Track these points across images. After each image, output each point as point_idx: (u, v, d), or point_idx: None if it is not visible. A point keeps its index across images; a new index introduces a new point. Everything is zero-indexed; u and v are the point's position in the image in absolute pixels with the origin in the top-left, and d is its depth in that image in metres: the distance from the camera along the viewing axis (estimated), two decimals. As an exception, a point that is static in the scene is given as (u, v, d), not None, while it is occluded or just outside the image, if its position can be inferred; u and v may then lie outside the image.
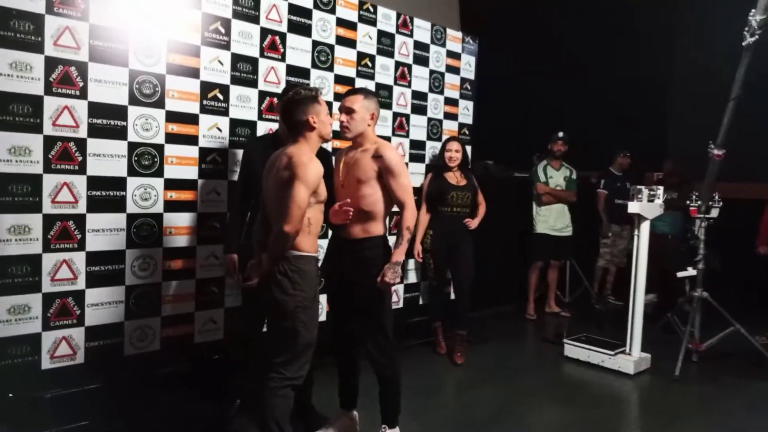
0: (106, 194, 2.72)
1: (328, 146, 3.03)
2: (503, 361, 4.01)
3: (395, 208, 2.56)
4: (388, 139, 3.90)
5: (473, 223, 3.98)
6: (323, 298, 3.04)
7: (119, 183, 2.75)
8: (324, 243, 2.84)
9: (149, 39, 2.78)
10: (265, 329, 2.63)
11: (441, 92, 4.27)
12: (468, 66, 4.45)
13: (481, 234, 4.06)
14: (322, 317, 3.08)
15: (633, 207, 3.66)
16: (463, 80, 4.43)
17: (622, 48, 6.01)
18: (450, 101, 4.34)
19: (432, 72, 4.18)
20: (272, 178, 2.27)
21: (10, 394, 2.51)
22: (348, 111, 2.48)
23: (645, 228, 3.72)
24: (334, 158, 2.73)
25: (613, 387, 3.58)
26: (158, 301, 2.93)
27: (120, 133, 2.74)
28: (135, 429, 2.71)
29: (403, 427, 2.66)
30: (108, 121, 2.69)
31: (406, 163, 4.07)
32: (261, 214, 2.42)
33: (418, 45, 4.05)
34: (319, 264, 2.40)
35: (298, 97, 2.27)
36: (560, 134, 5.03)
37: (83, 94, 2.61)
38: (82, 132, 2.62)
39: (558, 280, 5.47)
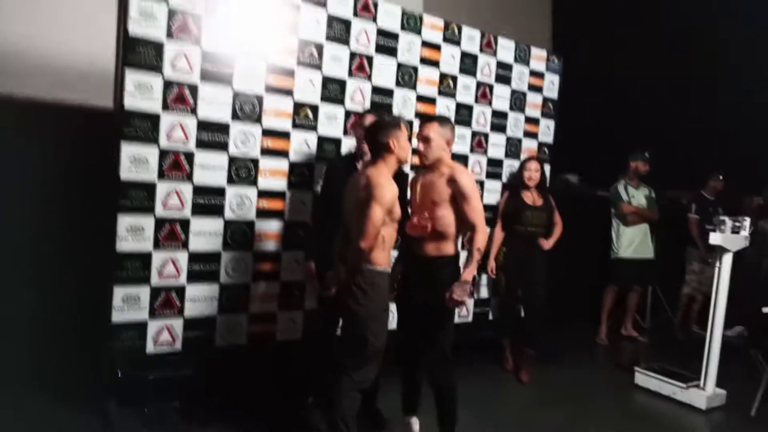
0: (208, 201, 3.05)
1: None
2: (570, 383, 4.00)
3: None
4: (465, 157, 4.02)
5: (547, 244, 4.01)
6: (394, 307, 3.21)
7: (219, 191, 3.08)
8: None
9: (251, 62, 3.09)
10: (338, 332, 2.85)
11: (522, 111, 4.33)
12: (551, 85, 4.47)
13: (557, 253, 4.08)
14: (392, 325, 3.26)
15: (715, 238, 3.54)
16: (546, 99, 4.46)
17: (720, 62, 5.73)
18: (531, 120, 4.39)
19: (514, 91, 4.25)
20: (353, 197, 2.48)
21: (120, 372, 2.89)
22: (425, 139, 2.64)
23: (727, 260, 3.59)
24: (411, 178, 2.90)
25: (683, 421, 3.49)
26: (246, 299, 3.23)
27: (222, 147, 3.06)
28: (218, 414, 3.01)
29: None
30: (213, 135, 3.02)
31: (483, 181, 4.17)
32: (342, 228, 2.64)
33: (501, 65, 4.14)
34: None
35: (382, 123, 2.48)
36: (644, 153, 4.91)
37: (193, 111, 2.95)
38: (191, 145, 2.96)
39: (638, 304, 5.32)
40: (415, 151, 2.81)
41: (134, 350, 2.91)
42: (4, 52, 2.80)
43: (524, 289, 4.07)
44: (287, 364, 3.41)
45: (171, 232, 2.96)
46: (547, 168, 4.47)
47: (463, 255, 2.68)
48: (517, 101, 4.28)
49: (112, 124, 2.85)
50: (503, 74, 4.17)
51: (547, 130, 4.51)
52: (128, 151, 2.79)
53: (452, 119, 3.89)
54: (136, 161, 2.82)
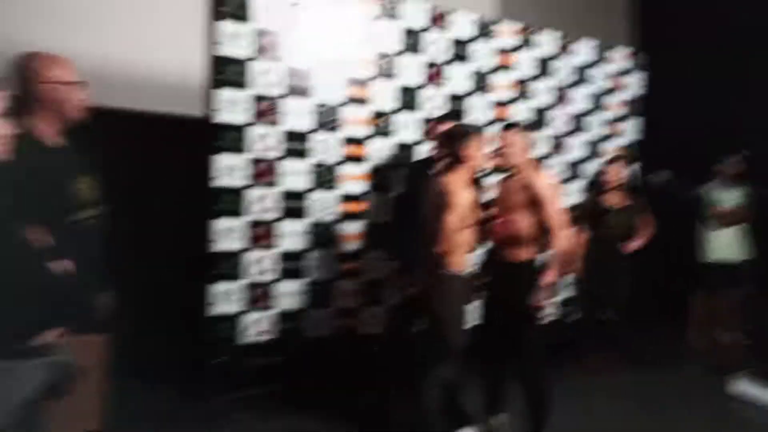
0: (294, 205, 3.29)
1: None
2: (657, 387, 3.86)
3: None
4: (544, 159, 4.00)
5: (631, 247, 3.91)
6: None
7: (304, 196, 3.31)
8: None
9: (331, 76, 3.29)
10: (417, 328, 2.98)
11: (603, 111, 4.23)
12: (635, 82, 4.32)
13: (645, 254, 3.96)
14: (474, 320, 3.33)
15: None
16: (630, 97, 4.32)
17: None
18: (613, 120, 4.28)
19: (594, 91, 4.17)
20: (429, 203, 2.61)
21: (216, 360, 3.19)
22: (503, 146, 2.71)
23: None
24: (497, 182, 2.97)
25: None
26: (331, 295, 3.45)
27: (305, 155, 3.28)
28: (306, 399, 3.24)
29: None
30: (296, 144, 3.25)
31: (562, 184, 4.13)
32: (421, 232, 2.76)
33: (580, 66, 4.08)
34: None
35: (457, 131, 2.58)
36: (740, 152, 4.60)
37: (279, 123, 3.19)
38: (277, 153, 3.21)
39: (732, 308, 4.99)
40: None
41: (229, 340, 3.20)
42: (111, 69, 3.20)
43: (607, 291, 3.99)
44: (369, 356, 3.59)
45: (261, 234, 3.23)
46: (634, 167, 4.33)
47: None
48: (599, 101, 4.19)
49: (203, 133, 3.15)
50: (583, 75, 4.10)
51: (631, 129, 4.37)
52: (220, 160, 3.08)
53: (529, 123, 3.91)
54: (227, 170, 3.10)
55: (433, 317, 2.60)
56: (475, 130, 2.62)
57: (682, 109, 5.20)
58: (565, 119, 4.08)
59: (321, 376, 3.41)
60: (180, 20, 3.10)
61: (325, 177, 3.35)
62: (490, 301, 2.90)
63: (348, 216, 3.45)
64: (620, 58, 4.24)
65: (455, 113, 3.59)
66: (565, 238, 2.66)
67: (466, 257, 2.67)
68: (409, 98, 3.53)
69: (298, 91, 3.21)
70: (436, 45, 3.57)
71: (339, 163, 3.38)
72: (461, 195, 2.50)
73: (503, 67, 3.80)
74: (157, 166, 3.35)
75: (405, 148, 3.56)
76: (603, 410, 3.53)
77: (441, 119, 3.17)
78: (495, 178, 2.97)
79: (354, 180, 3.44)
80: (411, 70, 3.52)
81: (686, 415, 3.46)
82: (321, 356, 3.43)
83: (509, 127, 2.81)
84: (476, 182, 2.85)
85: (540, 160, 3.95)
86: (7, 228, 1.18)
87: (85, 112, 1.88)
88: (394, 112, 3.51)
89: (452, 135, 2.61)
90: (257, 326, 3.26)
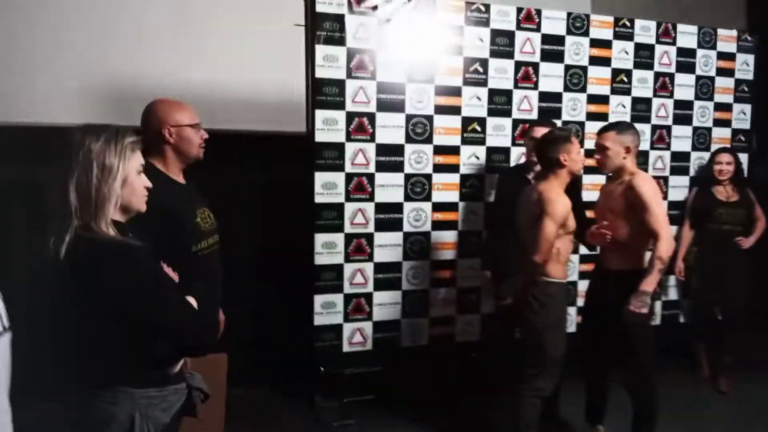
0: (388, 217, 3.36)
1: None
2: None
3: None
4: (645, 153, 3.82)
5: (747, 243, 3.64)
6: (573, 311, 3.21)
7: (398, 207, 3.37)
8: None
9: (420, 87, 3.32)
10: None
11: (710, 98, 3.96)
12: (745, 66, 4.01)
13: (761, 250, 3.69)
14: (572, 328, 3.25)
15: None
16: (739, 82, 4.01)
17: None
18: (721, 107, 3.99)
19: (699, 78, 3.91)
20: (525, 212, 2.58)
21: (322, 369, 3.34)
22: (601, 149, 2.62)
23: None
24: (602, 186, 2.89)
25: None
26: (427, 304, 3.49)
27: (398, 167, 3.34)
28: (406, 407, 3.31)
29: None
30: (390, 158, 3.32)
31: (666, 177, 3.92)
32: (516, 240, 2.74)
33: (681, 52, 3.84)
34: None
35: (552, 138, 2.53)
36: None
37: (372, 138, 3.27)
38: (371, 168, 3.29)
39: None
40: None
41: (333, 349, 3.33)
42: (216, 94, 3.45)
43: (721, 290, 3.74)
44: (468, 364, 3.60)
45: (358, 246, 3.32)
46: (746, 157, 4.03)
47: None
48: (704, 88, 3.93)
49: (303, 149, 3.28)
50: (685, 61, 3.86)
51: (742, 116, 4.06)
52: (320, 177, 3.20)
53: (628, 116, 3.74)
54: (327, 186, 3.23)
55: (531, 326, 2.57)
56: (569, 134, 2.55)
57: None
58: (667, 109, 3.86)
59: (419, 383, 3.48)
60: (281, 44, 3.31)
61: (418, 187, 3.39)
62: (590, 308, 2.84)
63: (441, 225, 3.47)
64: (726, 40, 3.94)
65: (549, 117, 3.50)
66: (669, 243, 2.53)
67: (565, 264, 2.62)
68: (500, 102, 3.49)
69: (390, 106, 3.27)
70: (527, 45, 3.49)
71: (431, 173, 3.41)
72: (559, 202, 2.45)
73: (597, 60, 3.65)
74: (266, 182, 3.57)
75: (497, 153, 3.52)
76: (715, 420, 3.34)
77: (535, 123, 3.11)
78: (592, 181, 2.89)
79: (446, 189, 3.45)
80: (502, 72, 3.47)
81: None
82: (419, 364, 3.49)
83: (608, 128, 2.71)
84: (574, 187, 2.79)
85: (642, 157, 3.76)
86: (152, 266, 1.30)
87: (203, 151, 2.05)
88: (485, 117, 3.48)
89: (548, 140, 2.56)
90: (357, 335, 3.36)
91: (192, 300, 1.38)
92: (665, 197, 3.93)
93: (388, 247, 3.38)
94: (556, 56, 3.56)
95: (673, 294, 4.06)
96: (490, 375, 3.43)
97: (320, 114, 3.17)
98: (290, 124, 3.53)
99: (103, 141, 1.27)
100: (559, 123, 3.58)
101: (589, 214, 2.90)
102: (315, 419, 3.23)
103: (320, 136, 3.18)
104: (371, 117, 3.26)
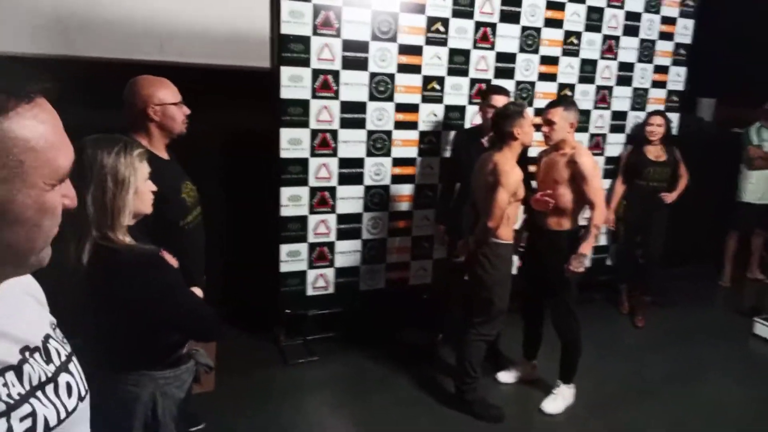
0: (351, 171, 3.53)
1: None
2: (686, 328, 4.18)
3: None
4: (587, 112, 4.10)
5: (669, 198, 4.08)
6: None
7: (360, 162, 3.54)
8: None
9: (384, 46, 3.40)
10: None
11: (650, 61, 4.24)
12: (684, 30, 4.28)
13: (680, 203, 4.14)
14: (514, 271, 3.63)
15: None
16: (678, 45, 4.30)
17: None
18: (660, 69, 4.29)
19: (642, 41, 4.16)
20: (480, 179, 2.82)
21: (287, 310, 3.60)
22: (548, 122, 2.86)
23: None
24: (537, 155, 3.15)
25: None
26: (384, 251, 3.77)
27: (361, 124, 3.48)
28: (363, 343, 3.65)
29: (578, 383, 3.17)
30: (353, 114, 3.44)
31: (605, 134, 4.25)
32: (470, 201, 3.01)
33: (629, 16, 4.05)
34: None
35: (506, 112, 2.74)
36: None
37: (336, 96, 3.37)
38: (335, 125, 3.42)
39: (763, 247, 5.19)
40: (538, 128, 3.01)
41: (297, 294, 3.59)
42: (176, 25, 3.43)
43: (644, 238, 4.22)
44: (419, 305, 3.96)
45: (322, 199, 3.51)
46: (676, 117, 4.40)
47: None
48: (646, 51, 4.20)
49: (268, 83, 3.31)
50: (631, 25, 4.08)
51: (677, 77, 4.39)
52: (286, 134, 3.31)
53: (576, 77, 3.98)
54: (292, 141, 3.34)
55: (481, 282, 2.89)
56: (522, 109, 2.76)
57: (729, 58, 5.12)
58: (611, 71, 4.12)
59: (375, 323, 3.82)
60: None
61: (379, 143, 3.55)
62: (529, 261, 3.18)
63: (400, 179, 3.68)
64: (670, 4, 4.18)
65: (503, 76, 3.69)
66: (603, 212, 2.87)
67: (513, 228, 2.93)
68: (459, 61, 3.63)
69: (354, 64, 3.35)
70: (487, 6, 3.60)
71: (392, 130, 3.57)
72: (512, 174, 2.71)
73: (551, 22, 3.81)
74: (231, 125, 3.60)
75: (453, 111, 3.70)
76: (631, 351, 3.89)
77: (492, 90, 3.29)
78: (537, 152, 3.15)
79: (406, 145, 3.63)
80: (462, 33, 3.58)
81: (710, 353, 3.79)
82: (376, 305, 3.82)
83: (555, 104, 2.94)
84: (522, 157, 3.04)
85: (584, 116, 4.03)
86: (165, 269, 1.47)
87: (187, 127, 2.13)
88: (444, 77, 3.62)
89: (503, 115, 2.77)
90: (320, 281, 3.62)
91: (198, 291, 1.56)
92: (602, 153, 4.28)
93: (350, 199, 3.58)
94: (513, 17, 3.70)
95: (603, 240, 4.52)
96: (439, 315, 3.81)
97: (286, 71, 3.22)
98: (253, 59, 3.55)
99: (114, 155, 1.37)
100: (512, 83, 3.79)
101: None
102: (281, 356, 3.52)
103: (286, 93, 3.25)
104: (335, 74, 3.34)
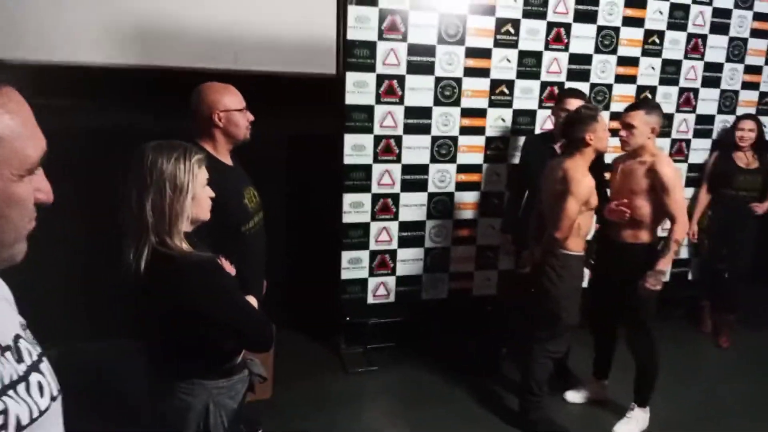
0: (414, 178, 3.47)
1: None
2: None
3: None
4: (670, 116, 3.83)
5: (761, 209, 3.73)
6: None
7: (424, 169, 3.47)
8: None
9: (450, 49, 3.32)
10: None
11: (741, 60, 3.91)
12: (779, 26, 3.93)
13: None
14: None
15: None
16: (770, 44, 3.95)
17: None
18: (751, 69, 3.95)
19: (732, 39, 3.85)
20: (549, 187, 2.68)
21: (348, 318, 3.58)
22: (627, 126, 2.67)
23: None
24: (613, 160, 2.96)
25: None
26: (447, 260, 3.67)
27: (426, 129, 3.41)
28: (424, 355, 3.57)
29: (653, 406, 2.95)
30: (418, 120, 3.38)
31: (689, 140, 3.96)
32: (536, 210, 2.87)
33: (717, 12, 3.76)
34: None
35: (578, 116, 2.58)
36: None
37: (401, 101, 3.32)
38: (399, 130, 3.36)
39: None
40: (615, 133, 2.83)
41: (358, 301, 3.55)
42: (241, 34, 3.49)
43: (730, 251, 3.89)
44: (484, 317, 3.83)
45: (384, 206, 3.46)
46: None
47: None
48: (736, 50, 3.88)
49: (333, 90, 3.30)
50: (720, 22, 3.78)
51: (769, 79, 4.03)
52: (350, 140, 3.29)
53: (656, 79, 3.73)
54: (356, 147, 3.32)
55: (548, 295, 2.74)
56: (596, 113, 2.59)
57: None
58: (696, 72, 3.83)
59: (437, 334, 3.73)
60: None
61: (444, 149, 3.47)
62: (601, 274, 2.98)
63: (465, 186, 3.57)
64: (765, 0, 3.84)
65: (577, 78, 3.52)
66: (685, 227, 2.65)
67: (584, 238, 2.76)
68: (530, 63, 3.49)
69: (420, 68, 3.29)
70: (561, 5, 3.44)
71: (458, 136, 3.47)
72: (584, 182, 2.55)
73: (631, 20, 3.60)
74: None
75: (523, 116, 3.56)
76: (713, 374, 3.58)
77: (567, 94, 3.13)
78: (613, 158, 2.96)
79: (471, 151, 3.53)
80: (533, 34, 3.45)
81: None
82: (438, 315, 3.72)
83: (635, 107, 2.75)
84: (597, 163, 2.86)
85: (667, 119, 3.77)
86: (222, 277, 1.45)
87: (250, 133, 2.14)
88: (514, 80, 3.49)
89: (575, 119, 2.62)
90: (381, 289, 3.57)
91: (253, 300, 1.55)
92: (686, 160, 3.99)
93: (412, 206, 3.51)
94: (588, 17, 3.51)
95: (684, 253, 4.21)
96: (503, 327, 3.66)
97: (351, 76, 3.20)
98: (318, 65, 3.56)
99: (174, 161, 1.37)
100: (586, 86, 3.60)
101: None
102: (341, 364, 3.50)
103: (350, 99, 3.23)
104: (401, 79, 3.29)
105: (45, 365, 0.81)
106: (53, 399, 0.80)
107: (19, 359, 0.76)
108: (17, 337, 0.78)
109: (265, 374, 1.66)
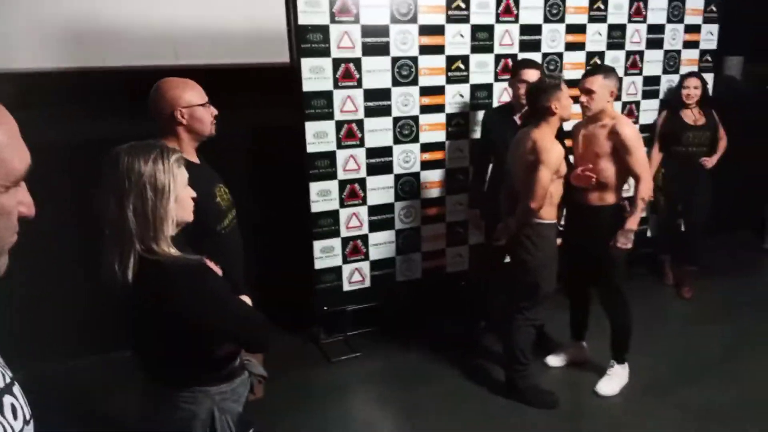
0: (379, 161, 3.43)
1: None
2: (735, 297, 4.02)
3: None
4: (619, 80, 3.92)
5: (710, 162, 3.91)
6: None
7: (387, 151, 3.44)
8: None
9: (404, 28, 3.28)
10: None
11: (681, 21, 4.05)
12: (712, -13, 4.08)
13: (720, 166, 3.97)
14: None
15: None
16: (708, 2, 4.10)
17: None
18: (691, 28, 4.10)
19: (671, 1, 3.97)
20: (518, 158, 2.70)
21: (325, 307, 3.54)
22: (587, 92, 2.71)
23: None
24: (573, 127, 3.00)
25: None
26: (419, 240, 3.67)
27: (386, 111, 3.37)
28: (403, 336, 3.57)
29: (630, 360, 3.06)
30: (377, 102, 3.34)
31: (638, 102, 4.08)
32: (506, 183, 2.89)
33: (653, -27, 3.87)
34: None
35: (542, 86, 2.61)
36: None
37: (359, 84, 3.26)
38: (360, 114, 3.31)
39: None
40: (576, 100, 2.86)
41: (334, 290, 3.51)
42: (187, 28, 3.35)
43: (686, 205, 4.06)
44: (457, 293, 3.87)
45: (352, 191, 3.42)
46: (711, 77, 4.21)
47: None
48: (675, 11, 4.00)
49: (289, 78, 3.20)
50: (658, -16, 3.89)
51: (710, 36, 4.19)
52: (311, 127, 3.22)
53: (604, 44, 3.82)
54: (318, 135, 3.25)
55: (525, 265, 2.78)
56: (559, 81, 2.62)
57: (758, 14, 4.88)
58: (641, 35, 3.94)
59: (414, 315, 3.74)
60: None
61: (406, 130, 3.44)
62: (570, 240, 3.05)
63: (429, 164, 3.57)
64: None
65: (529, 49, 3.55)
66: (649, 184, 2.74)
67: (555, 206, 2.80)
68: (483, 37, 3.49)
69: (375, 50, 3.24)
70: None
71: (418, 115, 3.45)
72: (554, 150, 2.59)
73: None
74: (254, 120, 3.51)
75: (480, 90, 3.57)
76: (681, 324, 3.75)
77: (523, 64, 3.15)
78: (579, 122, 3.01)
79: (433, 129, 3.52)
80: (484, 7, 3.45)
81: (761, 324, 3.64)
82: (414, 296, 3.73)
83: (594, 72, 2.80)
84: (560, 132, 2.90)
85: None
86: (213, 280, 1.39)
87: (216, 128, 2.05)
88: (468, 55, 3.49)
89: (539, 89, 2.64)
90: (356, 275, 3.54)
91: (247, 299, 1.49)
92: (636, 121, 4.12)
93: (380, 189, 3.49)
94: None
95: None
96: (479, 302, 3.70)
97: (306, 62, 3.12)
98: (272, 54, 3.45)
99: (152, 162, 1.29)
100: (539, 55, 3.64)
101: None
102: (323, 355, 3.46)
103: (308, 86, 3.15)
104: (357, 62, 3.23)
105: (17, 389, 0.81)
106: (26, 422, 0.80)
107: None
108: None
109: (264, 374, 1.61)
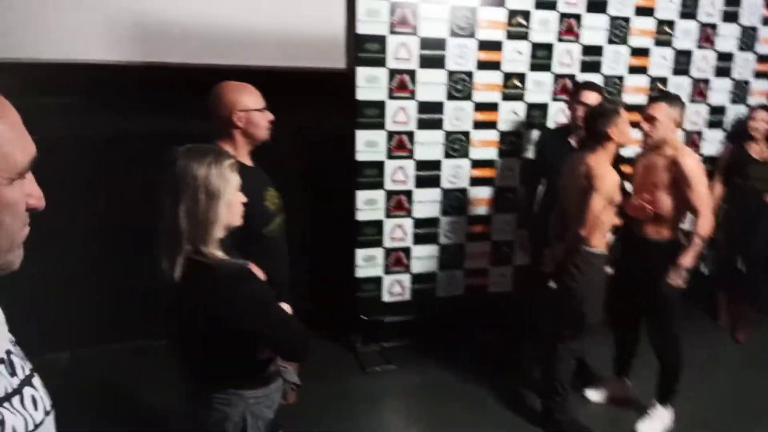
0: (428, 174, 3.41)
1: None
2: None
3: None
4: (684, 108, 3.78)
5: (775, 199, 3.71)
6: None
7: (437, 165, 3.41)
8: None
9: (462, 42, 3.26)
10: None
11: (751, 49, 3.87)
12: (792, 14, 3.89)
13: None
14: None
15: None
16: (784, 32, 3.91)
17: None
18: (763, 59, 3.91)
19: (744, 28, 3.80)
20: (571, 182, 2.63)
21: (363, 317, 3.53)
22: (650, 119, 2.61)
23: None
24: (634, 156, 2.91)
25: None
26: (462, 257, 3.62)
27: (438, 124, 3.35)
28: (441, 352, 3.51)
29: (674, 404, 2.91)
30: (430, 115, 3.32)
31: (701, 132, 3.92)
32: (558, 207, 2.81)
33: (728, 0, 3.71)
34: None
35: (601, 111, 2.53)
36: None
37: (413, 96, 3.26)
38: (412, 126, 3.30)
39: None
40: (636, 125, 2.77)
41: (373, 299, 3.50)
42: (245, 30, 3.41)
43: (745, 243, 3.86)
44: (499, 312, 3.78)
45: (398, 203, 3.41)
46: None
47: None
48: (747, 38, 3.83)
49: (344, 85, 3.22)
50: (730, 11, 3.74)
51: (785, 67, 3.99)
52: (362, 136, 3.23)
53: (669, 69, 3.69)
54: (368, 144, 3.26)
55: (571, 293, 2.69)
56: (617, 107, 2.54)
57: None
58: (708, 61, 3.79)
59: (453, 331, 3.68)
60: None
61: (457, 145, 3.41)
62: (623, 271, 2.94)
63: (479, 181, 3.52)
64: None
65: (589, 70, 3.47)
66: (710, 221, 2.61)
67: (606, 235, 2.71)
68: (542, 56, 3.43)
69: (431, 62, 3.23)
70: None
71: (470, 131, 3.42)
72: (608, 177, 2.50)
73: (642, 10, 3.54)
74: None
75: (536, 109, 3.51)
76: (734, 369, 3.55)
77: (583, 86, 3.07)
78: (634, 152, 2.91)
79: (485, 146, 3.48)
80: (545, 25, 3.39)
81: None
82: (454, 312, 3.67)
83: (658, 99, 2.70)
84: (617, 158, 2.81)
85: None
86: (258, 285, 1.40)
87: (271, 133, 2.07)
88: (526, 73, 3.44)
89: (597, 113, 2.56)
90: (396, 287, 3.52)
91: (287, 307, 1.49)
92: (698, 151, 3.95)
93: (426, 203, 3.46)
94: (600, 7, 3.46)
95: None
96: (521, 324, 3.61)
97: (361, 71, 3.14)
98: (328, 60, 3.48)
99: (207, 166, 1.32)
100: (598, 77, 3.55)
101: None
102: (358, 363, 3.45)
103: (362, 94, 3.17)
104: (412, 74, 3.23)
105: (37, 380, 0.83)
106: (47, 413, 0.81)
107: (12, 373, 0.77)
108: (8, 353, 0.80)
109: (298, 381, 1.61)
